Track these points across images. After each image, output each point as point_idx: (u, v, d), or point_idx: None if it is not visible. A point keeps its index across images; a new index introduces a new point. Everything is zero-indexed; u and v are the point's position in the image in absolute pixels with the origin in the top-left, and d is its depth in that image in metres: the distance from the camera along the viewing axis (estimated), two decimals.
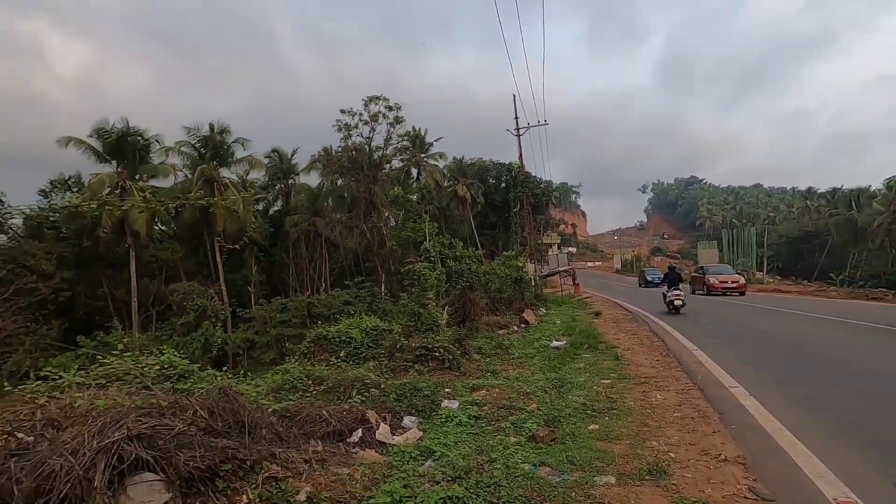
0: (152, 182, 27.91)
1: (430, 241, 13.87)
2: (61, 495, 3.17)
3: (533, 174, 52.65)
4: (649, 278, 39.09)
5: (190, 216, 26.93)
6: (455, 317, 13.63)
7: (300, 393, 7.08)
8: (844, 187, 76.63)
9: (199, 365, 6.85)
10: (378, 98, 27.44)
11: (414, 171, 41.85)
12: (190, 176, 28.67)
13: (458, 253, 13.84)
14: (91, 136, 25.20)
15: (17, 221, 24.42)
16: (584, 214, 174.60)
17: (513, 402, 6.79)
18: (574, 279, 35.32)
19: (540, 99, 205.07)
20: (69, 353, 17.78)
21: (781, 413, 5.51)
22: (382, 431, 5.74)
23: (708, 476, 4.02)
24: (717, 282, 26.50)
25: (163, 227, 31.21)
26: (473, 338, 12.50)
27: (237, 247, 20.76)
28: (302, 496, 4.07)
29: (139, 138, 26.19)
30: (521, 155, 27.27)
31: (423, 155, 41.18)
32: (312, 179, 36.39)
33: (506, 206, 51.63)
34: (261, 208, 34.70)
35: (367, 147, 28.87)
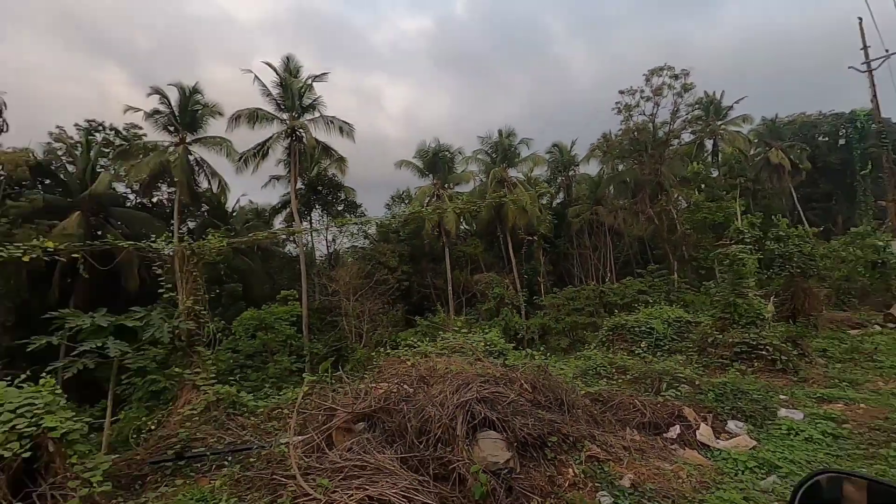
0: (457, 188, 33.05)
1: (741, 219, 11.78)
2: (436, 437, 4.06)
3: (894, 121, 38.45)
4: None
5: (486, 214, 30.59)
6: (782, 311, 11.22)
7: (605, 380, 7.12)
8: None
9: (512, 345, 7.73)
10: (661, 69, 25.01)
11: (709, 144, 36.44)
12: (484, 179, 32.60)
13: (781, 231, 11.31)
14: (415, 157, 31.74)
15: (373, 230, 32.91)
16: None
17: (893, 423, 5.13)
18: None
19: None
20: (411, 329, 22.76)
21: None
22: (704, 432, 5.21)
23: None
24: None
25: (466, 226, 36.52)
26: (811, 337, 10.03)
27: (533, 238, 22.35)
28: (626, 482, 4.06)
29: (447, 153, 31.44)
30: (874, 96, 20.16)
31: (719, 122, 35.38)
32: (593, 168, 36.11)
33: (846, 169, 39.46)
34: (545, 202, 36.51)
35: (650, 125, 26.74)
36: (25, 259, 5.84)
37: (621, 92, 26.51)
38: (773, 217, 11.75)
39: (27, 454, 3.99)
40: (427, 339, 7.97)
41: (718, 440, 5.22)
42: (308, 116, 25.34)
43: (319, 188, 30.88)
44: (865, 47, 18.43)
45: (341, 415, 4.25)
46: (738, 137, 34.63)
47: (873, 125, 26.04)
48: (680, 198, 29.82)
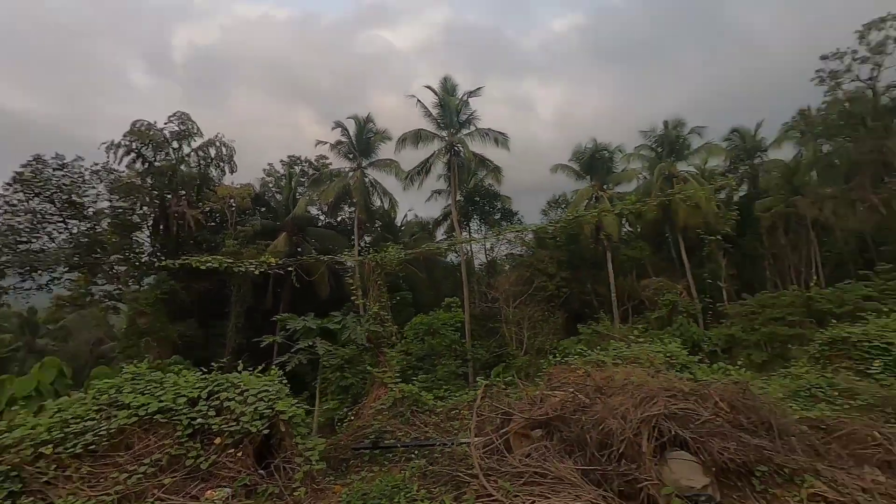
0: (618, 188, 31.07)
1: None
2: (619, 452, 3.84)
3: None
4: None
5: (653, 215, 28.11)
6: None
7: (824, 403, 5.92)
8: None
9: (698, 358, 6.91)
10: (883, 20, 20.17)
11: None
12: (649, 177, 30.07)
13: None
14: (571, 160, 30.85)
15: (530, 236, 32.82)
16: None
17: None
18: None
19: None
20: (573, 338, 22.02)
21: None
22: None
23: None
24: None
25: (629, 228, 34.06)
26: None
27: (705, 239, 19.86)
28: None
29: (605, 152, 29.84)
30: None
31: None
32: (787, 152, 30.59)
33: None
34: (723, 196, 32.16)
35: (869, 91, 21.71)
36: (256, 272, 7.28)
37: (823, 58, 22.15)
38: None
39: (266, 431, 4.91)
40: (596, 347, 7.61)
41: None
42: (465, 131, 26.61)
43: (477, 199, 32.01)
44: None
45: (518, 420, 4.30)
46: None
47: None
48: None
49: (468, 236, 31.75)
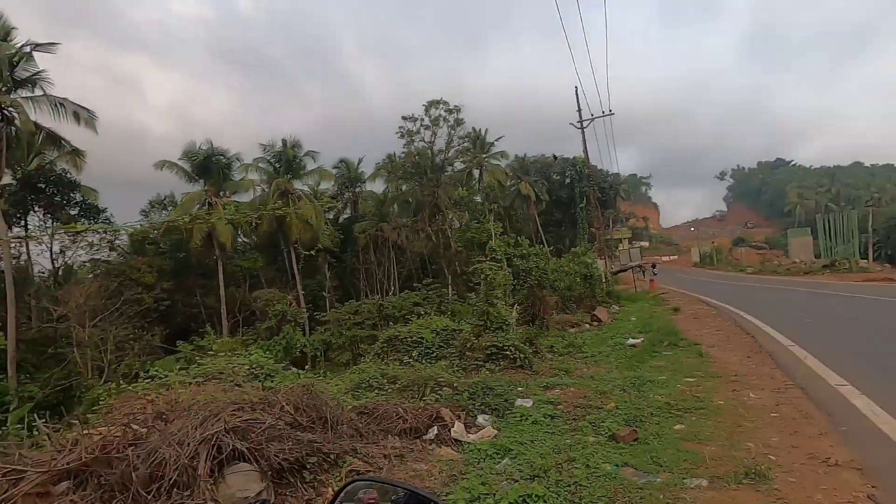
0: (234, 197, 30.16)
1: (495, 240, 13.80)
2: (171, 481, 3.49)
3: (599, 167, 50.81)
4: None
5: (268, 227, 28.71)
6: (524, 316, 13.46)
7: (376, 391, 7.31)
8: None
9: (283, 365, 7.31)
10: (438, 102, 27.78)
11: (476, 172, 41.89)
12: (267, 189, 30.66)
13: (524, 251, 13.64)
14: (182, 159, 27.77)
15: (124, 238, 27.41)
16: (656, 207, 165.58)
17: (589, 401, 6.58)
18: (653, 267, 33.94)
19: (606, 87, 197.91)
20: (171, 357, 19.55)
21: None
22: (457, 429, 5.78)
23: (817, 482, 3.65)
24: None
25: (245, 239, 33.59)
26: (544, 336, 12.27)
27: (312, 253, 21.72)
28: None
29: (222, 158, 28.42)
30: (585, 148, 26.47)
31: (484, 155, 41.10)
32: (378, 186, 37.58)
33: (571, 202, 50.20)
34: (331, 216, 36.30)
35: (429, 151, 29.30)
36: None
37: (404, 118, 28.45)
38: (517, 238, 14.21)
39: None
40: (189, 365, 6.95)
41: (469, 434, 5.85)
42: (25, 93, 19.83)
43: (42, 185, 24.31)
44: (579, 110, 23.82)
45: (32, 477, 3.29)
46: (498, 170, 40.77)
47: (586, 169, 33.78)
48: (454, 218, 33.31)
49: (24, 233, 23.64)
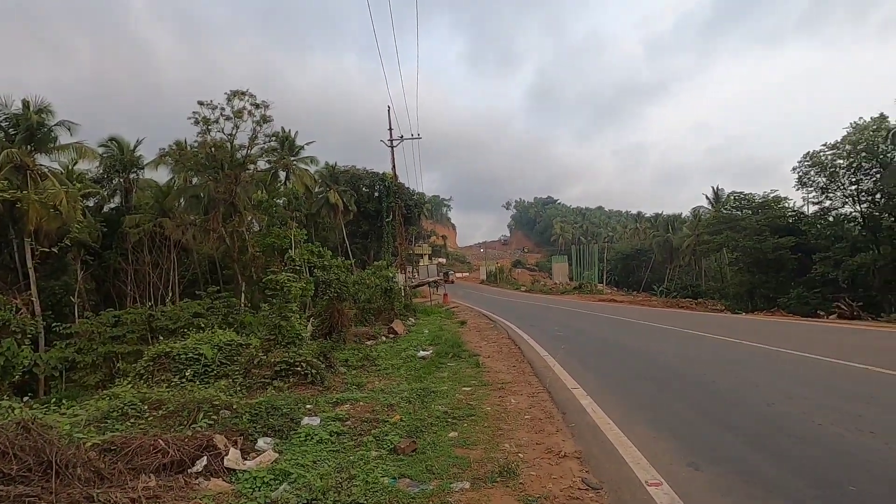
0: None
1: (296, 248, 13.20)
2: None
3: (406, 185, 53.49)
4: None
5: None
6: (321, 329, 13.14)
7: (132, 421, 6.18)
8: (664, 213, 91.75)
9: None
10: (243, 93, 25.50)
11: (282, 175, 39.65)
12: None
13: (326, 262, 13.39)
14: None
15: None
16: (454, 227, 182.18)
17: (376, 414, 6.74)
18: (448, 279, 36.90)
19: (420, 111, 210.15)
20: None
21: (612, 411, 6.31)
22: (232, 457, 5.26)
23: (550, 472, 4.41)
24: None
25: None
26: (340, 350, 12.17)
27: (55, 250, 17.40)
28: None
29: None
30: (394, 166, 27.54)
31: (292, 158, 39.26)
32: (162, 175, 32.33)
33: (378, 216, 51.57)
34: (92, 205, 29.77)
35: (228, 145, 26.58)
36: None
37: (201, 103, 25.28)
38: (321, 248, 13.86)
39: None
40: None
41: (246, 461, 5.38)
42: None
43: None
44: (391, 128, 24.76)
45: None
46: (306, 175, 39.37)
47: (394, 186, 35.17)
48: (253, 220, 30.80)
49: None
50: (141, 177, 32.39)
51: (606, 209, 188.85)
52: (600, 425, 5.74)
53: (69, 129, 25.45)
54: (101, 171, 30.73)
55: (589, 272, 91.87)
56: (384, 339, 15.91)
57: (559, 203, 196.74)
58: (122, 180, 31.58)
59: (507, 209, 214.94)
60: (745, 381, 7.72)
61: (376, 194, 53.80)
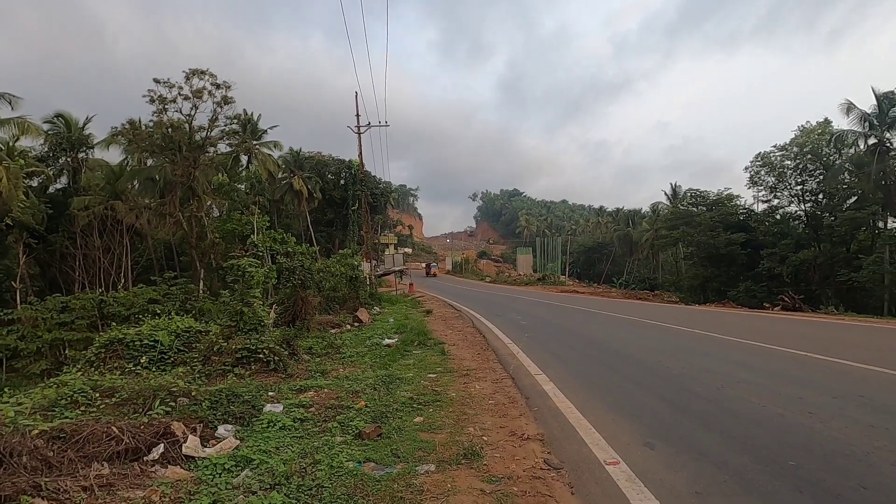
0: None
1: (258, 234, 12.85)
2: None
3: (373, 174, 52.87)
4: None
5: None
6: (285, 316, 12.90)
7: (82, 409, 5.91)
8: (625, 208, 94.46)
9: None
10: (203, 72, 24.39)
11: (244, 159, 38.36)
12: None
13: (289, 249, 13.10)
14: None
15: None
16: (420, 217, 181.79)
17: (341, 401, 6.70)
18: (429, 271, 36.82)
19: (388, 99, 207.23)
20: None
21: (573, 395, 6.51)
22: (191, 444, 5.12)
23: (513, 454, 4.52)
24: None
25: None
26: (304, 338, 11.99)
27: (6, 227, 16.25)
28: None
29: None
30: (360, 153, 27.10)
31: (255, 142, 38.00)
32: (113, 156, 30.64)
33: (344, 204, 50.79)
34: (36, 185, 27.94)
35: (186, 126, 25.44)
36: None
37: (157, 81, 24.03)
38: (284, 235, 13.55)
39: None
40: None
41: (206, 448, 5.25)
42: None
43: None
44: (358, 115, 24.34)
45: None
46: (270, 160, 38.25)
47: (359, 173, 34.67)
48: (213, 205, 29.74)
49: None
50: (91, 156, 30.63)
51: (570, 203, 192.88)
52: (562, 409, 5.91)
53: (10, 103, 23.77)
54: (47, 150, 28.86)
55: (552, 264, 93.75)
56: (349, 327, 15.78)
57: (525, 196, 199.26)
58: (69, 160, 29.77)
59: (473, 200, 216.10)
60: (697, 367, 8.11)
61: (342, 182, 52.93)
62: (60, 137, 28.61)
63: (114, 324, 9.92)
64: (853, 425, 4.87)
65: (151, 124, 25.27)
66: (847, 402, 5.71)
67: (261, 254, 11.39)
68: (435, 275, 77.30)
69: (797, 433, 4.74)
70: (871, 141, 29.88)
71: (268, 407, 6.47)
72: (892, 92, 28.94)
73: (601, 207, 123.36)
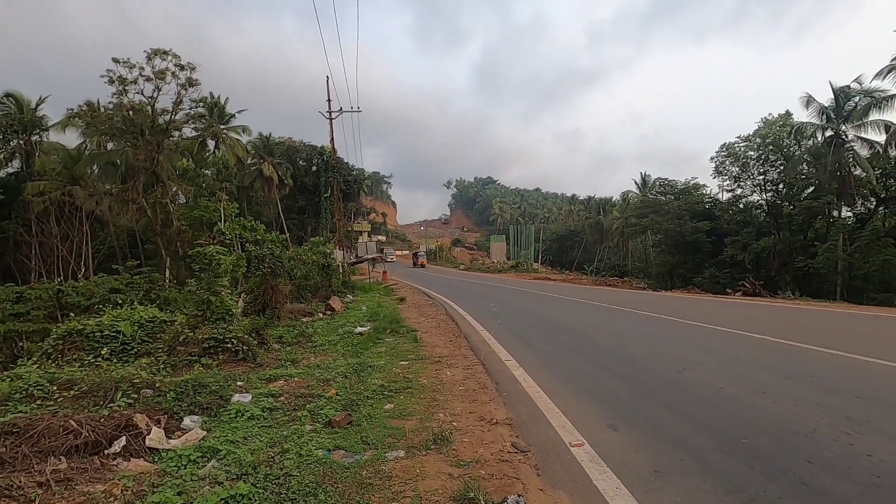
0: None
1: (226, 222, 12.53)
2: None
3: (346, 160, 52.07)
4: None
5: None
6: (255, 305, 12.68)
7: (38, 402, 5.70)
8: (597, 196, 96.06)
9: None
10: (166, 53, 23.39)
11: (211, 144, 37.16)
12: None
13: (259, 236, 12.83)
14: None
15: None
16: (394, 204, 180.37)
17: (312, 390, 6.66)
18: (417, 261, 36.58)
19: (361, 85, 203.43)
20: None
21: (542, 381, 6.64)
22: (154, 436, 5.01)
23: (482, 438, 4.60)
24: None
25: None
26: (275, 327, 11.82)
27: None
28: None
29: None
30: (332, 139, 26.64)
31: (222, 126, 36.82)
32: (70, 139, 29.21)
33: (316, 191, 49.94)
34: None
35: (149, 108, 24.41)
36: None
37: (116, 60, 22.93)
38: (253, 222, 13.25)
39: None
40: None
41: (171, 440, 5.15)
42: None
43: None
44: (329, 100, 23.86)
45: None
46: (238, 145, 37.18)
47: (331, 160, 34.09)
48: (178, 192, 28.78)
49: None
50: (45, 139, 29.13)
51: (544, 191, 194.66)
52: (531, 394, 6.03)
53: None
54: None
55: (525, 252, 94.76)
56: (321, 315, 15.63)
57: (499, 184, 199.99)
58: (21, 142, 28.23)
59: (447, 188, 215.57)
60: (660, 351, 8.39)
61: (314, 168, 51.97)
62: (11, 119, 27.07)
63: (73, 314, 9.55)
64: (802, 404, 5.14)
65: (111, 106, 24.15)
66: (798, 383, 6.01)
67: (229, 241, 11.12)
68: (423, 265, 67.76)
69: (751, 412, 4.97)
70: (829, 133, 31.12)
71: (236, 397, 6.37)
72: (848, 86, 30.11)
73: (574, 196, 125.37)
